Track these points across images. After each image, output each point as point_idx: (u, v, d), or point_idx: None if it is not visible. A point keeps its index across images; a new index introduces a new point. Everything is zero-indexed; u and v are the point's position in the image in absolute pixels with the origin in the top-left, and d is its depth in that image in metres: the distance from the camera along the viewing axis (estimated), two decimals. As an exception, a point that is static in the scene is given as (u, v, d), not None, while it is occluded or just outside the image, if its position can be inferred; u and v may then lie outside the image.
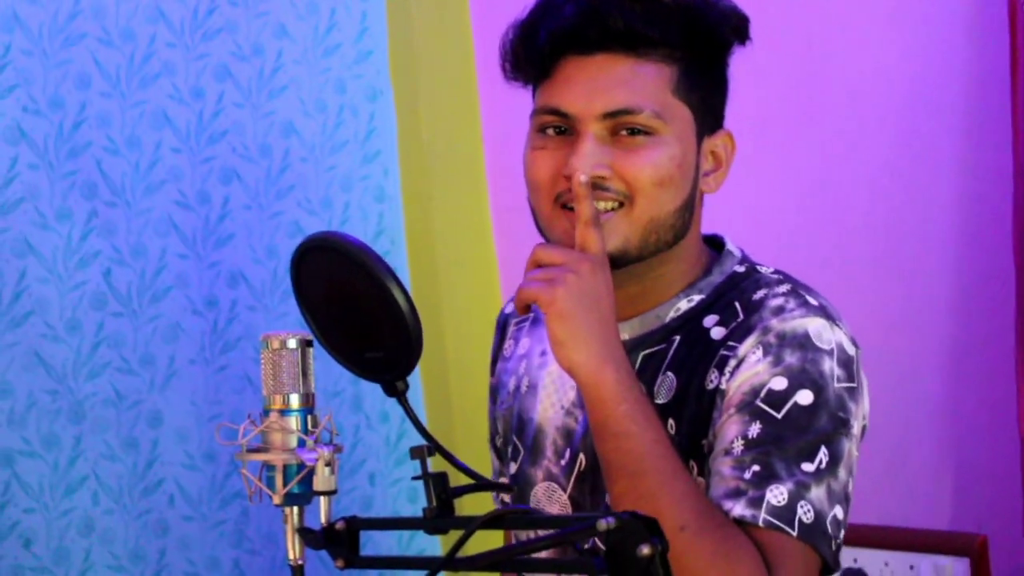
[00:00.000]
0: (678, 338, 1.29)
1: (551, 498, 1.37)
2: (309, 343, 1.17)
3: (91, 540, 1.84)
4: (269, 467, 1.15)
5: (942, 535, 1.95)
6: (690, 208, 1.30)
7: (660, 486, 1.16)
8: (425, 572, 1.00)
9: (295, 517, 1.14)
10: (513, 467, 1.41)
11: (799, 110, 2.20)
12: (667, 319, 1.32)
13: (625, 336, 1.32)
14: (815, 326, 1.24)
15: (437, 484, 1.07)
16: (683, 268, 1.32)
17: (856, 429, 1.26)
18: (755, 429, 1.20)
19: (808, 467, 1.19)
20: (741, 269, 1.34)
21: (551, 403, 1.33)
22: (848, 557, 2.01)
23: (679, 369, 1.28)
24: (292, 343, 1.16)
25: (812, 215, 2.19)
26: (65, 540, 1.82)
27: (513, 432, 1.42)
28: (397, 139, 2.34)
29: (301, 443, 1.14)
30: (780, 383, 1.21)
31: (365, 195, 2.27)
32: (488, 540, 1.26)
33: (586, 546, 0.99)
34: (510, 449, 1.43)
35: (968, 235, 2.06)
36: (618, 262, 1.26)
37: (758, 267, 1.34)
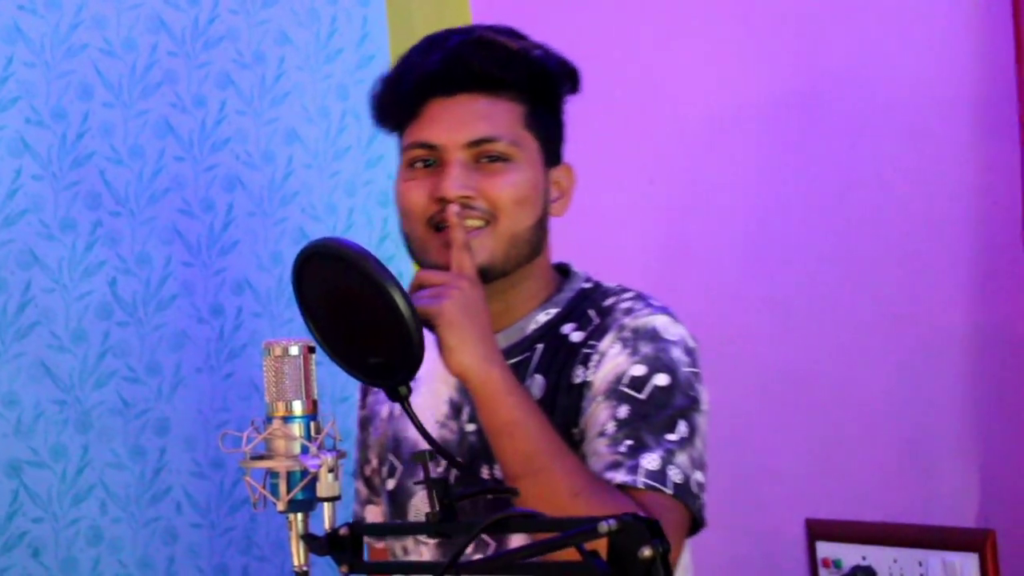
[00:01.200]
0: (541, 346, 1.44)
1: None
2: (312, 349, 1.18)
3: (99, 549, 1.85)
4: (273, 474, 1.15)
5: (951, 531, 1.95)
6: (543, 227, 1.46)
7: (552, 460, 1.30)
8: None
9: (299, 524, 1.14)
10: (391, 483, 1.50)
11: (807, 104, 2.20)
12: (529, 330, 1.47)
13: None
14: (662, 321, 1.43)
15: (440, 488, 1.07)
16: (538, 285, 1.48)
17: (705, 407, 1.43)
18: (623, 410, 1.37)
19: (672, 437, 1.36)
20: (588, 285, 1.51)
21: (424, 420, 1.36)
22: (856, 554, 2.00)
23: (546, 371, 1.43)
24: (294, 350, 1.16)
25: (821, 210, 2.19)
26: (73, 549, 1.83)
27: (389, 452, 1.52)
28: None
29: (304, 450, 1.14)
30: (640, 370, 1.39)
31: (369, 200, 2.27)
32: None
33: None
34: (385, 469, 1.52)
35: (978, 228, 2.05)
36: (487, 275, 1.40)
37: (602, 283, 1.51)
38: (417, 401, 1.43)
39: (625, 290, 1.48)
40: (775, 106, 2.22)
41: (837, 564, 2.04)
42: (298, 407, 1.15)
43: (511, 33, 1.46)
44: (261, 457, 1.15)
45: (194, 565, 1.97)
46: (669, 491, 1.33)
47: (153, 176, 1.99)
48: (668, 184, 2.35)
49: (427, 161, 1.42)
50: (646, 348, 1.40)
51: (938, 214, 2.09)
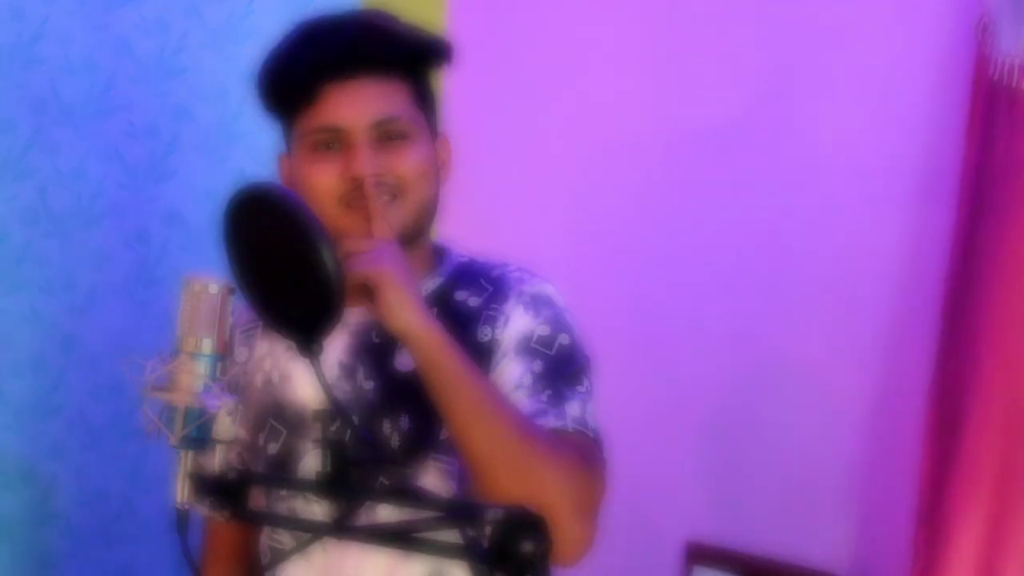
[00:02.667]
0: (435, 310, 1.48)
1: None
2: (232, 291, 1.17)
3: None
4: (171, 408, 1.14)
5: (826, 574, 1.98)
6: (438, 199, 1.54)
7: (499, 406, 1.38)
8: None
9: (188, 461, 1.14)
10: (274, 448, 1.51)
11: (747, 136, 2.22)
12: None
13: None
14: (552, 289, 1.55)
15: (335, 450, 1.08)
16: (425, 256, 1.56)
17: None
18: (537, 365, 1.47)
19: (581, 389, 1.47)
20: (464, 259, 1.59)
21: (314, 384, 1.39)
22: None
23: (449, 334, 1.47)
24: (213, 288, 1.16)
25: (752, 241, 2.22)
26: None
27: (271, 417, 1.53)
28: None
29: (207, 389, 1.13)
30: (545, 329, 1.49)
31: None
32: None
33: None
34: (264, 436, 1.53)
35: (899, 290, 2.10)
36: (400, 243, 1.46)
37: (475, 257, 1.61)
38: (301, 371, 1.50)
39: (506, 263, 1.58)
40: (719, 139, 2.25)
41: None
42: (207, 345, 1.15)
43: (389, 17, 1.53)
44: (162, 389, 1.14)
45: (76, 486, 1.95)
46: (591, 434, 1.44)
47: (103, 92, 1.97)
48: (599, 196, 2.37)
49: (329, 144, 1.46)
50: (547, 311, 1.51)
51: (865, 267, 2.12)
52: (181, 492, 1.14)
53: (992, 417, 1.89)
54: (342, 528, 1.03)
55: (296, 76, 1.47)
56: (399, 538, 1.08)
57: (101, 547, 1.99)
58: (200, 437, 1.13)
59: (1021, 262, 1.88)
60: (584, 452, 1.42)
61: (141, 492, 2.02)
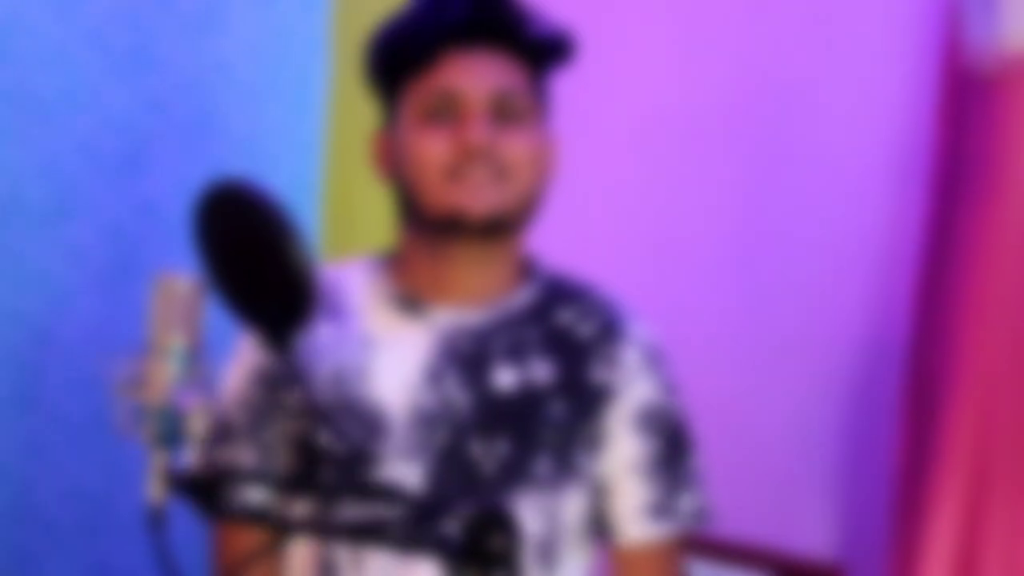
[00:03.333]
0: (536, 328, 1.44)
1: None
2: (204, 288, 1.17)
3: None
4: (145, 406, 1.14)
5: (804, 563, 1.99)
6: (540, 195, 1.46)
7: None
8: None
9: (162, 458, 1.14)
10: (342, 448, 1.43)
11: (731, 139, 2.22)
12: (515, 309, 1.47)
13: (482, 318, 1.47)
14: (659, 340, 1.52)
15: (304, 446, 1.08)
16: (516, 262, 1.48)
17: None
18: (654, 443, 1.45)
19: (693, 466, 1.51)
20: (552, 274, 1.52)
21: (391, 385, 1.40)
22: (708, 572, 2.04)
23: (552, 357, 1.44)
24: (186, 286, 1.16)
25: (728, 227, 2.22)
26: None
27: (340, 415, 1.45)
28: (329, 92, 2.32)
29: (180, 387, 1.14)
30: (661, 398, 1.48)
31: (290, 144, 2.25)
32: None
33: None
34: (329, 434, 1.45)
35: (871, 275, 2.11)
36: (493, 226, 1.40)
37: (558, 272, 1.53)
38: (380, 364, 1.45)
39: (593, 287, 1.52)
40: (697, 125, 2.25)
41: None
42: (180, 343, 1.15)
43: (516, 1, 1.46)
44: (135, 387, 1.14)
45: (54, 482, 1.94)
46: (695, 524, 1.48)
47: (75, 86, 1.95)
48: (600, 189, 2.37)
49: (443, 112, 1.40)
50: (662, 372, 1.49)
51: (839, 253, 2.13)
52: (155, 490, 1.14)
53: (968, 402, 1.90)
54: (314, 526, 1.03)
55: (419, 37, 1.42)
56: (370, 535, 1.08)
57: (80, 543, 1.99)
58: (173, 434, 1.13)
59: (995, 248, 1.89)
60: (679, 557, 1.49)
61: (119, 488, 2.02)
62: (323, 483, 1.07)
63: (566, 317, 1.46)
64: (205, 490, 1.12)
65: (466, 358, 1.42)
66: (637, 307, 1.52)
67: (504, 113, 1.40)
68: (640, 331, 1.48)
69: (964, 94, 1.94)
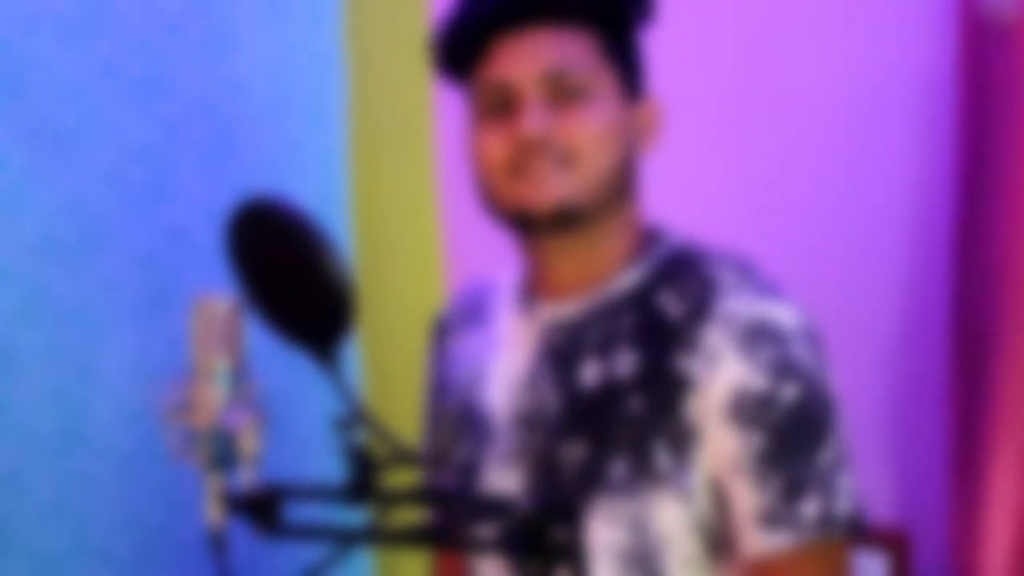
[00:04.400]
0: (631, 317, 1.32)
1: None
2: (242, 307, 1.17)
3: (15, 493, 1.82)
4: (194, 430, 1.14)
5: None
6: (629, 170, 1.37)
7: None
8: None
9: (217, 481, 1.14)
10: (463, 455, 1.41)
11: (754, 109, 2.21)
12: (613, 295, 1.36)
13: (575, 310, 1.38)
14: (781, 312, 1.31)
15: (359, 455, 1.07)
16: (623, 242, 1.37)
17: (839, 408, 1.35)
18: (756, 439, 1.24)
19: (820, 464, 1.27)
20: (681, 247, 1.39)
21: (500, 385, 1.35)
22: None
23: (638, 346, 1.31)
24: (223, 306, 1.15)
25: (758, 203, 2.20)
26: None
27: (463, 422, 1.43)
28: (347, 104, 2.32)
29: (227, 408, 1.13)
30: (762, 382, 1.25)
31: (313, 159, 2.25)
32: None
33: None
34: (457, 442, 1.44)
35: (910, 235, 2.09)
36: (568, 217, 1.31)
37: (694, 244, 1.39)
38: (492, 369, 1.41)
39: (724, 256, 1.36)
40: (716, 116, 2.24)
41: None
42: (223, 364, 1.15)
43: None
44: (182, 412, 1.14)
45: (111, 515, 1.95)
46: (838, 532, 1.23)
47: (93, 117, 1.96)
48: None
49: (502, 106, 1.34)
50: (766, 351, 1.25)
51: (873, 214, 2.11)
52: (214, 514, 1.14)
53: (1017, 353, 1.88)
54: (377, 534, 1.02)
55: (465, 30, 1.35)
56: (436, 539, 1.08)
57: (141, 574, 1.99)
58: (225, 456, 1.13)
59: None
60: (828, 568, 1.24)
61: (176, 516, 2.02)
62: (382, 491, 1.06)
63: (665, 299, 1.33)
64: (264, 509, 1.12)
65: (559, 355, 1.34)
66: (778, 280, 1.34)
67: (562, 93, 1.31)
68: (736, 306, 1.28)
69: (984, 45, 1.91)
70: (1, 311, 1.82)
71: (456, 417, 1.46)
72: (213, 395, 1.13)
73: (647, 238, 1.40)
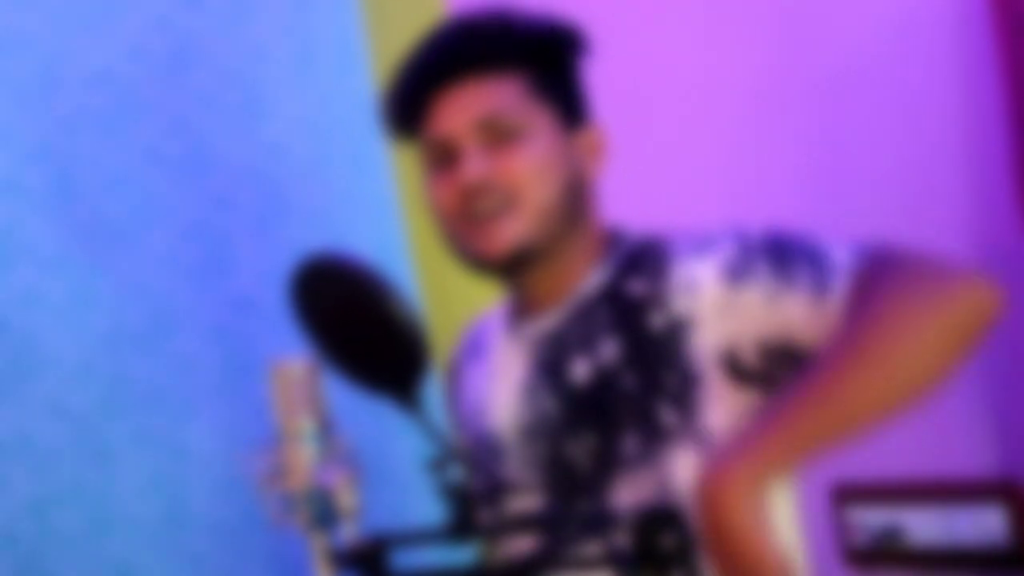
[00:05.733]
0: (605, 307, 1.38)
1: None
2: (318, 365, 1.17)
3: (129, 581, 1.85)
4: (290, 494, 1.15)
5: (979, 483, 1.94)
6: (575, 195, 1.41)
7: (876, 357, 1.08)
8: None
9: (321, 540, 1.14)
10: (480, 481, 1.47)
11: (789, 85, 2.19)
12: (585, 292, 1.43)
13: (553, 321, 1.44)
14: (720, 229, 1.38)
15: (455, 493, 1.07)
16: (587, 252, 1.44)
17: None
18: (762, 262, 1.29)
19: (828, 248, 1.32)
20: (641, 241, 1.44)
21: (500, 403, 1.41)
22: (883, 517, 2.00)
23: (617, 331, 1.36)
24: (299, 367, 1.16)
25: (805, 189, 2.18)
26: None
27: (477, 449, 1.50)
28: (389, 146, 2.33)
29: (319, 466, 1.14)
30: (733, 247, 1.33)
31: (364, 207, 2.26)
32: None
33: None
34: (474, 470, 1.50)
35: (966, 211, 2.05)
36: (526, 258, 1.38)
37: (654, 235, 1.45)
38: (492, 393, 1.48)
39: (681, 234, 1.41)
40: (758, 90, 2.22)
41: (863, 527, 2.03)
42: (308, 424, 1.15)
43: (495, 12, 1.43)
44: (277, 478, 1.15)
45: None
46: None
47: (143, 205, 1.98)
48: (661, 159, 2.35)
49: (444, 158, 1.40)
50: (721, 239, 1.33)
51: (927, 202, 2.08)
52: (323, 573, 1.14)
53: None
54: (487, 570, 1.02)
55: (404, 94, 1.42)
56: (546, 564, 1.07)
57: (262, 642, 2.01)
58: (325, 515, 1.14)
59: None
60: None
61: (287, 579, 2.04)
62: (486, 524, 1.06)
63: (631, 284, 1.39)
64: (372, 561, 1.12)
65: (549, 364, 1.41)
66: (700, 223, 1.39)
67: (497, 136, 1.37)
68: (689, 243, 1.35)
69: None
70: (88, 405, 1.85)
71: (472, 447, 1.51)
72: (304, 456, 1.14)
73: (608, 241, 1.46)
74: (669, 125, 2.33)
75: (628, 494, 1.29)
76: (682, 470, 1.28)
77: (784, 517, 1.36)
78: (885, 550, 1.98)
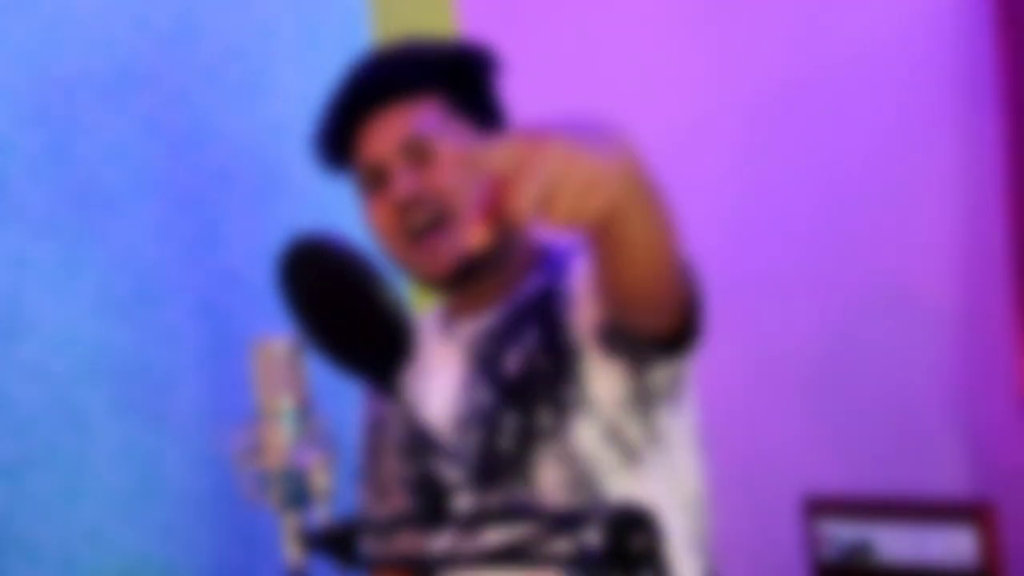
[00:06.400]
0: (538, 316, 1.46)
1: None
2: (301, 345, 1.17)
3: (99, 550, 1.85)
4: (266, 472, 1.15)
5: (951, 504, 1.95)
6: None
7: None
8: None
9: (293, 520, 1.14)
10: (414, 472, 1.49)
11: (795, 90, 2.19)
12: (522, 299, 1.51)
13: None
14: None
15: (429, 481, 1.07)
16: (522, 259, 1.52)
17: None
18: None
19: None
20: (568, 251, 1.51)
21: (435, 403, 1.47)
22: (853, 532, 2.01)
23: (541, 324, 1.46)
24: (282, 346, 1.16)
25: (812, 191, 2.19)
26: (71, 550, 1.83)
27: (414, 442, 1.53)
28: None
29: (296, 446, 1.14)
30: None
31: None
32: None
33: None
34: (409, 462, 1.52)
35: (964, 206, 2.06)
36: (473, 267, 1.46)
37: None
38: (425, 388, 1.52)
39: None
40: (765, 91, 2.23)
41: (833, 540, 2.04)
42: (287, 403, 1.15)
43: (411, 41, 1.54)
44: (253, 455, 1.15)
45: (194, 563, 1.96)
46: None
47: (140, 173, 1.98)
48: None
49: (377, 180, 1.49)
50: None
51: (924, 192, 2.09)
52: (292, 553, 1.14)
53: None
54: (455, 558, 1.03)
55: (332, 126, 1.52)
56: (512, 556, 1.07)
57: (228, 618, 2.01)
58: (299, 495, 1.14)
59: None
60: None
61: (258, 558, 2.04)
62: (455, 515, 1.06)
63: (563, 284, 1.48)
64: (342, 544, 1.12)
65: (486, 358, 1.47)
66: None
67: (422, 155, 1.46)
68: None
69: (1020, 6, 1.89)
70: (67, 371, 1.85)
71: (404, 441, 1.54)
72: (281, 435, 1.14)
73: (539, 250, 1.55)
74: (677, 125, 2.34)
75: (546, 470, 1.39)
76: (582, 438, 1.40)
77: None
78: (854, 565, 1.99)
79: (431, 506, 1.03)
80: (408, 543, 1.51)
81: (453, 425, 1.47)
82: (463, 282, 1.49)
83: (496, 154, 0.92)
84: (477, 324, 1.52)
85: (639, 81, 2.34)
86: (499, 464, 1.41)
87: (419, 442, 1.51)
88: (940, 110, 2.06)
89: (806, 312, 2.20)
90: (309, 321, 1.18)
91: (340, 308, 1.16)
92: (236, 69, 2.14)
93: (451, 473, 1.44)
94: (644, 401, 1.42)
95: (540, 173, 0.91)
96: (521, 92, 2.55)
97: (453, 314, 1.57)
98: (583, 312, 1.40)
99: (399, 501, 1.52)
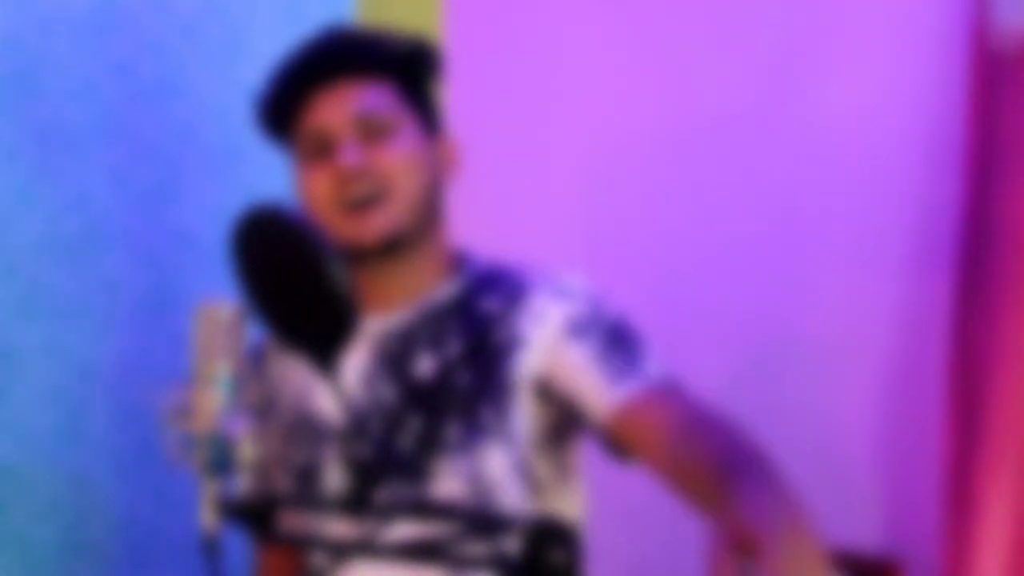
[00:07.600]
0: (456, 320, 1.50)
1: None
2: (246, 314, 1.17)
3: (11, 489, 1.83)
4: (193, 435, 1.14)
5: (858, 557, 1.97)
6: (436, 196, 1.55)
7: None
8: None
9: (213, 487, 1.14)
10: (299, 459, 1.51)
11: (756, 122, 2.21)
12: (439, 302, 1.54)
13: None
14: (578, 280, 1.54)
15: (357, 469, 1.07)
16: (439, 261, 1.56)
17: None
18: (594, 339, 1.45)
19: (647, 352, 1.48)
20: (490, 266, 1.57)
21: (329, 396, 1.47)
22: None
23: (465, 334, 1.49)
24: (226, 312, 1.16)
25: (766, 230, 2.21)
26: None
27: (298, 430, 1.55)
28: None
29: (227, 413, 1.13)
30: (585, 310, 1.49)
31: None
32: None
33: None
34: (292, 448, 1.54)
35: (910, 263, 2.09)
36: (394, 245, 1.48)
37: (503, 264, 1.60)
38: (320, 382, 1.53)
39: (533, 268, 1.55)
40: (725, 123, 2.24)
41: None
42: (224, 370, 1.15)
43: (373, 28, 1.58)
44: (182, 416, 1.14)
45: (104, 514, 1.95)
46: (671, 383, 1.41)
47: (104, 117, 1.96)
48: (602, 192, 2.36)
49: (320, 151, 1.50)
50: (579, 296, 1.49)
51: (876, 244, 2.11)
52: (208, 518, 1.14)
53: (1016, 390, 1.87)
54: (368, 547, 1.02)
55: (284, 89, 1.54)
56: (425, 553, 1.07)
57: (132, 574, 1.99)
58: (223, 462, 1.13)
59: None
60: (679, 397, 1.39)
61: (170, 517, 2.02)
62: (376, 503, 1.06)
63: (486, 301, 1.52)
64: (257, 516, 1.12)
65: (393, 356, 1.49)
66: (567, 271, 1.56)
67: (371, 131, 1.49)
68: (547, 283, 1.50)
69: (994, 76, 1.91)
70: (2, 306, 1.83)
71: (290, 426, 1.56)
72: (213, 400, 1.13)
73: (457, 259, 1.59)
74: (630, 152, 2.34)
75: (448, 480, 1.40)
76: (492, 463, 1.41)
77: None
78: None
79: (312, 493, 1.02)
80: (297, 523, 1.51)
81: (347, 416, 1.48)
82: (388, 257, 1.50)
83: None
84: (387, 321, 1.53)
85: (619, 76, 2.35)
86: (391, 462, 1.42)
87: (308, 428, 1.52)
88: (896, 169, 2.08)
89: (728, 352, 2.21)
90: (257, 289, 1.18)
91: (289, 280, 1.16)
92: (216, 27, 2.12)
93: (337, 462, 1.45)
94: (561, 436, 1.47)
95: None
96: (505, 87, 2.56)
97: (362, 308, 1.58)
98: (534, 358, 1.44)
99: (281, 485, 1.52)
